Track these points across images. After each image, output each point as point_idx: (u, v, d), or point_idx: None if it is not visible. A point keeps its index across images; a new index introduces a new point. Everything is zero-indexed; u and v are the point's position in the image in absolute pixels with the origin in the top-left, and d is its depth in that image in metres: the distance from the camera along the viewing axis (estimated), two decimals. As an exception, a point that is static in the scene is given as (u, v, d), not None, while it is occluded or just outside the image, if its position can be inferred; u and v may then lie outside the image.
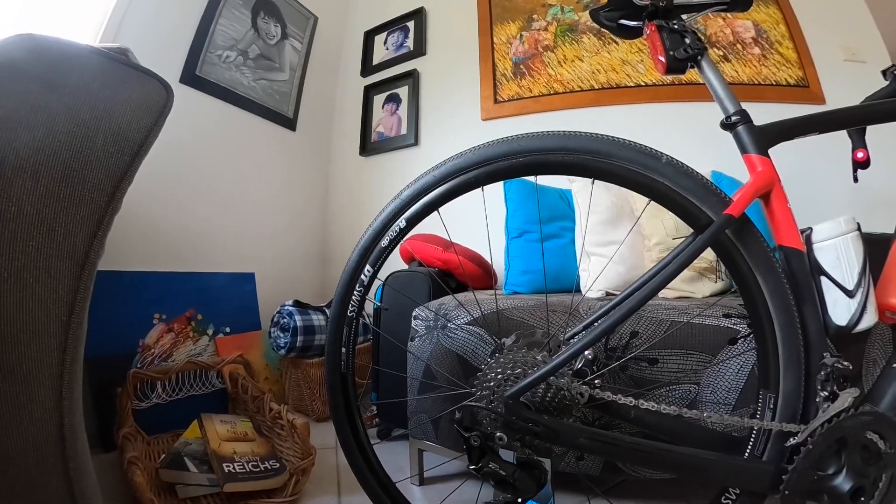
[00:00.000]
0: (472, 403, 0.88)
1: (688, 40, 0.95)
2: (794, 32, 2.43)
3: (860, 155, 1.12)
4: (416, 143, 2.93)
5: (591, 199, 1.79)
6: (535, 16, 2.79)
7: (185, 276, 2.08)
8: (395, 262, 1.58)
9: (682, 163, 0.87)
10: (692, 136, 2.12)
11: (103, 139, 0.80)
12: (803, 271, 0.86)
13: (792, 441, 0.81)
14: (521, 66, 2.73)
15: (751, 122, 0.91)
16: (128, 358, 1.77)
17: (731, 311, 1.19)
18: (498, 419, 0.83)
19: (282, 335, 2.11)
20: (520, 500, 0.84)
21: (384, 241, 0.98)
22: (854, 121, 1.02)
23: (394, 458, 1.57)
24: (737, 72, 2.40)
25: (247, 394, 1.80)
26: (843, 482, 0.79)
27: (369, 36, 3.31)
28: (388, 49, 3.20)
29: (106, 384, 1.62)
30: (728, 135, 0.94)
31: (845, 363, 0.81)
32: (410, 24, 3.14)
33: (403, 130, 2.99)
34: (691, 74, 0.97)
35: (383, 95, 3.13)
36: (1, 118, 0.72)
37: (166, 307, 1.95)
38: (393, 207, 0.98)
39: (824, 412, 0.80)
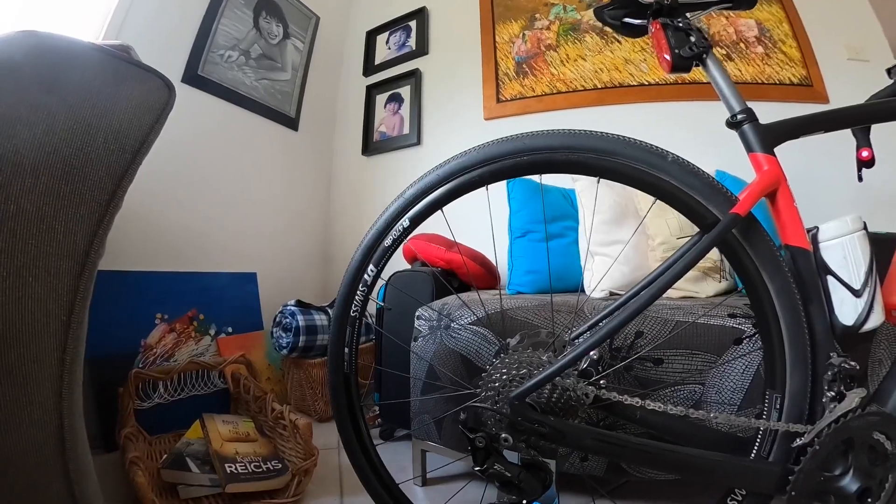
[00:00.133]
0: (478, 404, 0.87)
1: (693, 38, 0.94)
2: (797, 31, 2.42)
3: (865, 154, 1.11)
4: (418, 142, 2.93)
5: (596, 197, 1.78)
6: (537, 15, 2.79)
7: (187, 276, 2.07)
8: (397, 263, 1.58)
9: (688, 161, 0.86)
10: (695, 135, 2.11)
11: (104, 137, 0.79)
12: (810, 270, 0.85)
13: (798, 442, 0.81)
14: (524, 66, 2.73)
15: (756, 120, 0.90)
16: (130, 358, 1.77)
17: (736, 310, 1.19)
18: (503, 420, 0.83)
19: (284, 335, 2.10)
20: (525, 501, 0.84)
21: (387, 241, 0.98)
22: (860, 119, 1.01)
23: (396, 458, 1.57)
24: (740, 71, 2.39)
25: (249, 394, 1.79)
26: (849, 483, 0.78)
27: (371, 35, 3.30)
28: (390, 49, 3.20)
29: (108, 384, 1.62)
30: (731, 134, 0.93)
31: (852, 363, 0.81)
32: (412, 24, 3.14)
33: (406, 130, 2.98)
34: (695, 74, 0.96)
35: (385, 95, 3.13)
36: (0, 115, 0.71)
37: (168, 307, 1.95)
38: (396, 206, 0.97)
39: (831, 412, 0.79)
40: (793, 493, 0.78)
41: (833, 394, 0.81)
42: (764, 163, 0.88)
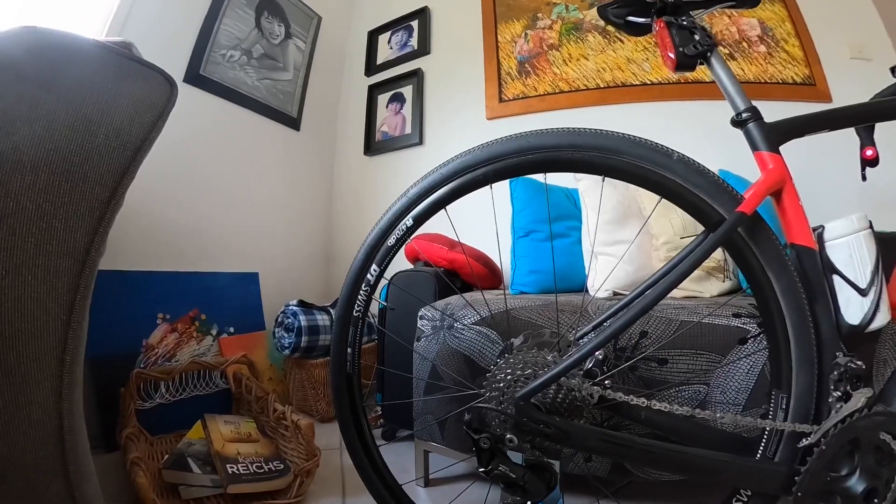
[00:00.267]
0: (483, 405, 0.87)
1: (697, 36, 0.93)
2: (799, 30, 2.41)
3: (869, 153, 1.10)
4: (420, 142, 2.93)
5: (601, 196, 1.78)
6: (539, 14, 2.78)
7: (189, 276, 2.07)
8: (399, 263, 1.57)
9: (693, 160, 0.86)
10: (698, 134, 2.11)
11: (105, 133, 0.79)
12: (815, 270, 0.85)
13: (804, 442, 0.80)
14: (526, 65, 2.72)
15: (761, 118, 0.90)
16: (131, 358, 1.76)
17: (740, 310, 1.18)
18: (508, 420, 0.82)
19: (286, 335, 2.10)
20: (529, 502, 0.83)
21: (391, 240, 0.97)
22: (865, 118, 1.01)
23: (399, 459, 1.57)
24: (742, 70, 2.38)
25: (251, 394, 1.79)
26: (856, 483, 0.77)
27: (373, 35, 3.30)
28: (392, 48, 3.20)
29: (109, 384, 1.62)
30: (734, 133, 0.93)
31: (858, 362, 0.80)
32: (414, 24, 3.14)
33: (408, 130, 2.98)
34: (697, 73, 0.96)
35: (387, 95, 3.13)
36: (0, 111, 0.71)
37: (170, 307, 1.95)
38: (400, 205, 0.97)
39: (837, 412, 0.79)
40: (799, 493, 0.77)
41: (839, 394, 0.80)
42: (769, 161, 0.87)
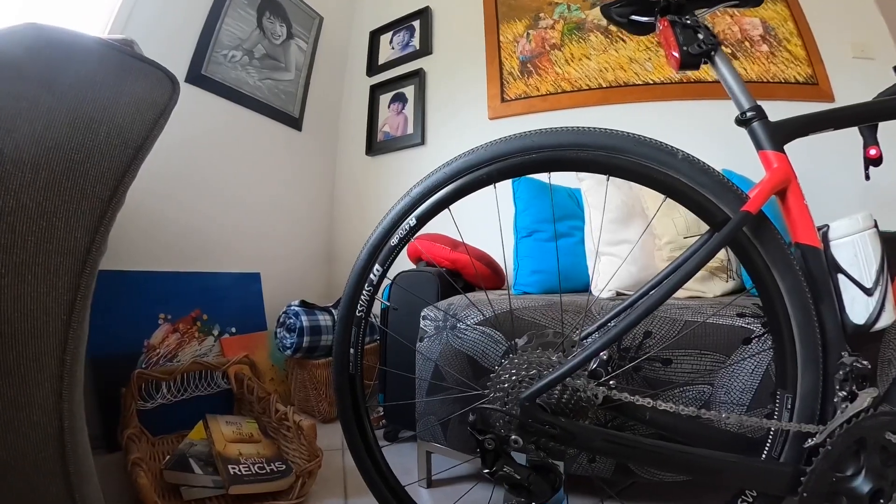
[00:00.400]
0: (487, 405, 0.86)
1: (701, 35, 0.93)
2: (802, 29, 2.41)
3: (873, 152, 1.10)
4: (422, 142, 2.93)
5: (605, 196, 1.77)
6: (541, 14, 2.78)
7: (191, 276, 2.07)
8: (401, 262, 1.57)
9: (698, 159, 0.85)
10: (701, 133, 2.11)
11: (106, 131, 0.78)
12: (820, 269, 0.84)
13: (810, 442, 0.80)
14: (529, 65, 2.72)
15: (766, 118, 0.90)
16: (132, 358, 1.76)
17: (745, 310, 1.18)
18: (513, 421, 0.82)
19: (288, 335, 2.09)
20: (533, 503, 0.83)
21: (394, 240, 0.97)
22: (868, 117, 1.00)
23: (401, 460, 1.57)
24: (745, 69, 2.38)
25: (252, 395, 1.79)
26: (862, 484, 0.77)
27: (375, 35, 3.30)
28: (393, 48, 3.20)
29: (110, 384, 1.62)
30: (737, 132, 0.93)
31: (864, 362, 0.80)
32: (416, 24, 3.14)
33: (410, 130, 2.98)
34: (699, 72, 0.96)
35: (389, 95, 3.13)
36: (0, 109, 0.71)
37: (172, 307, 1.95)
38: (403, 205, 0.96)
39: (843, 412, 0.78)
40: (804, 494, 0.77)
41: (845, 393, 0.80)
42: (774, 160, 0.87)
